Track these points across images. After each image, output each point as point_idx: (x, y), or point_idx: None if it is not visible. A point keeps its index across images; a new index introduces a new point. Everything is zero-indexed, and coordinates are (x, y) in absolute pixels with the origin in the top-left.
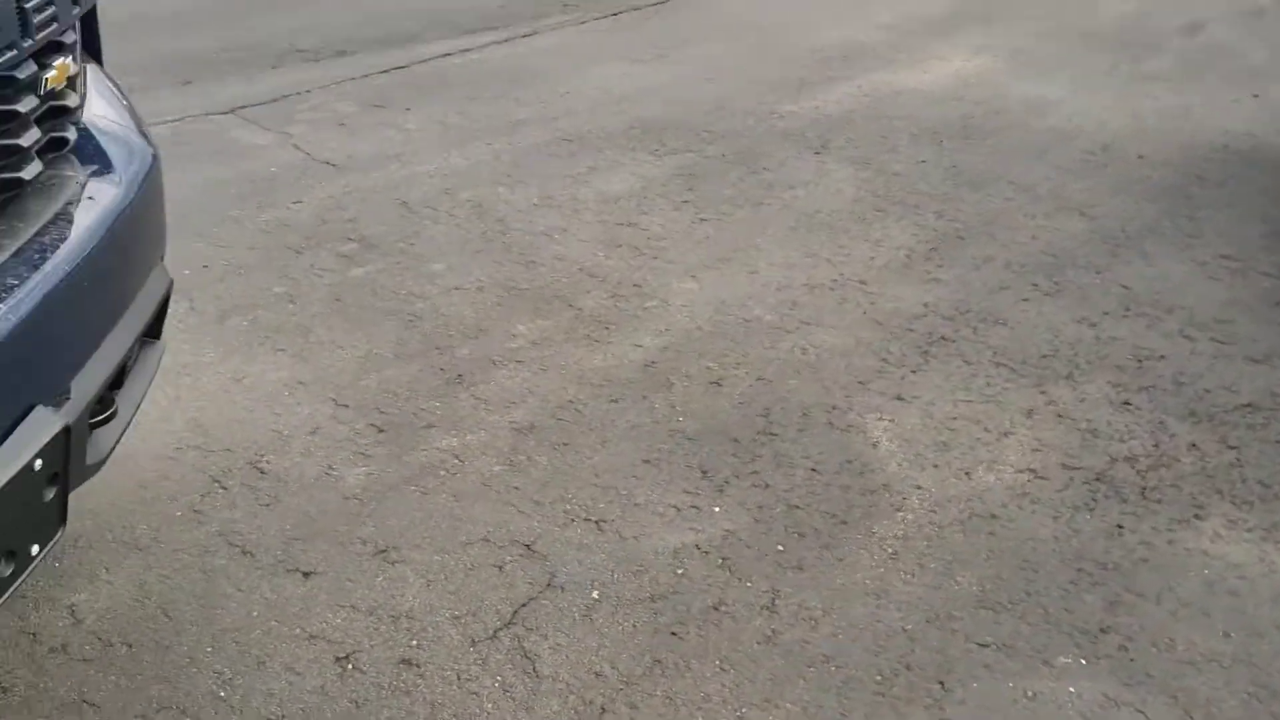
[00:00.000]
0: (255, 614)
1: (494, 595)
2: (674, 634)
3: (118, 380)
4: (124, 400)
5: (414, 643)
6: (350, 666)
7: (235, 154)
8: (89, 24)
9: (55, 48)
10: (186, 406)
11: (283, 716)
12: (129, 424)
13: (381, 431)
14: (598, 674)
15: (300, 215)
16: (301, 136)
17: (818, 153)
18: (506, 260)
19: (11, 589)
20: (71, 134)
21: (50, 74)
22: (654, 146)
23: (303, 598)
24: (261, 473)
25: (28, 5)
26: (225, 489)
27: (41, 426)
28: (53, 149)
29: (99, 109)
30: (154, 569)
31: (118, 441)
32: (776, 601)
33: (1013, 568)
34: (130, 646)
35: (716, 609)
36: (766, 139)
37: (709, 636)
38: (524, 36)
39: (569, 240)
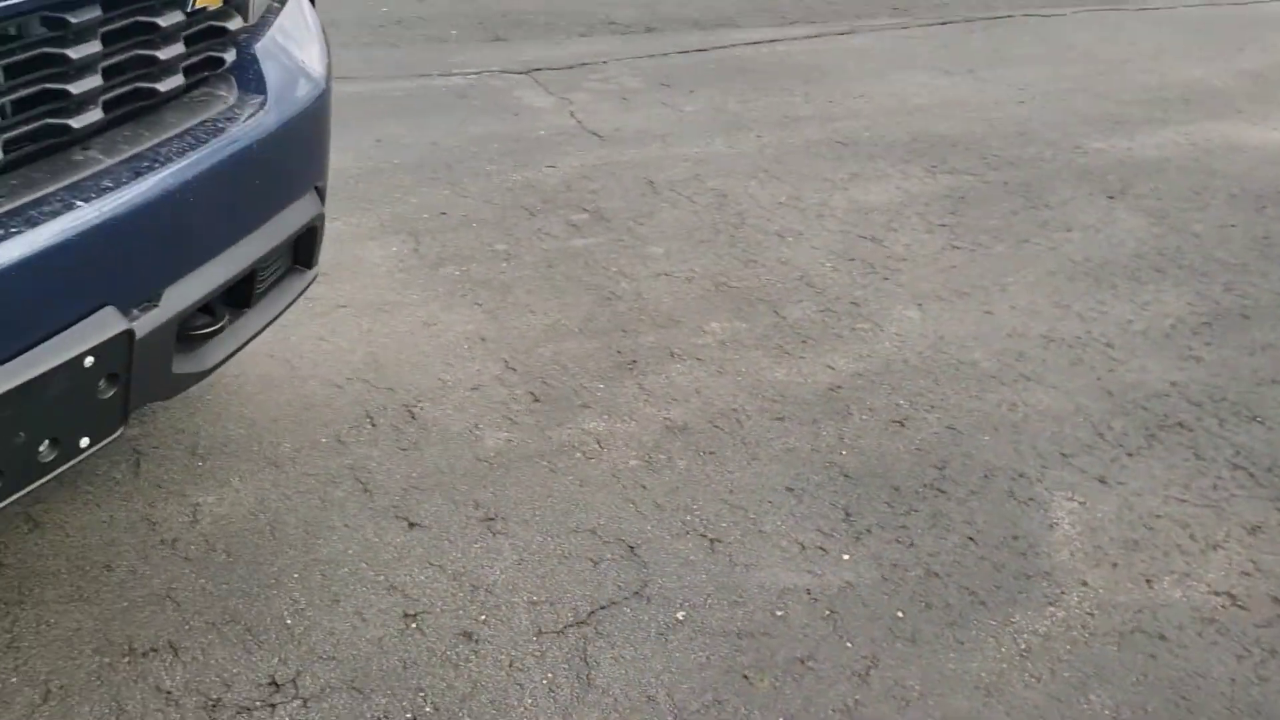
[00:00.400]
0: (350, 552)
1: (578, 590)
2: (746, 677)
3: (244, 299)
4: (250, 318)
5: (482, 617)
6: (414, 626)
7: (514, 113)
8: None
9: None
10: (372, 341)
11: (333, 658)
12: (247, 342)
13: (537, 401)
14: (649, 698)
15: (548, 179)
16: (580, 104)
17: (1111, 197)
18: (728, 255)
19: (52, 474)
20: (229, 55)
21: None
22: (931, 163)
23: (399, 547)
24: (412, 417)
25: None
26: (374, 426)
27: (102, 326)
28: (208, 67)
29: (278, 39)
30: (279, 487)
31: (228, 357)
32: (872, 671)
33: (1164, 701)
34: (229, 555)
35: (803, 662)
36: (1059, 174)
37: (783, 690)
38: (840, 34)
39: (800, 245)
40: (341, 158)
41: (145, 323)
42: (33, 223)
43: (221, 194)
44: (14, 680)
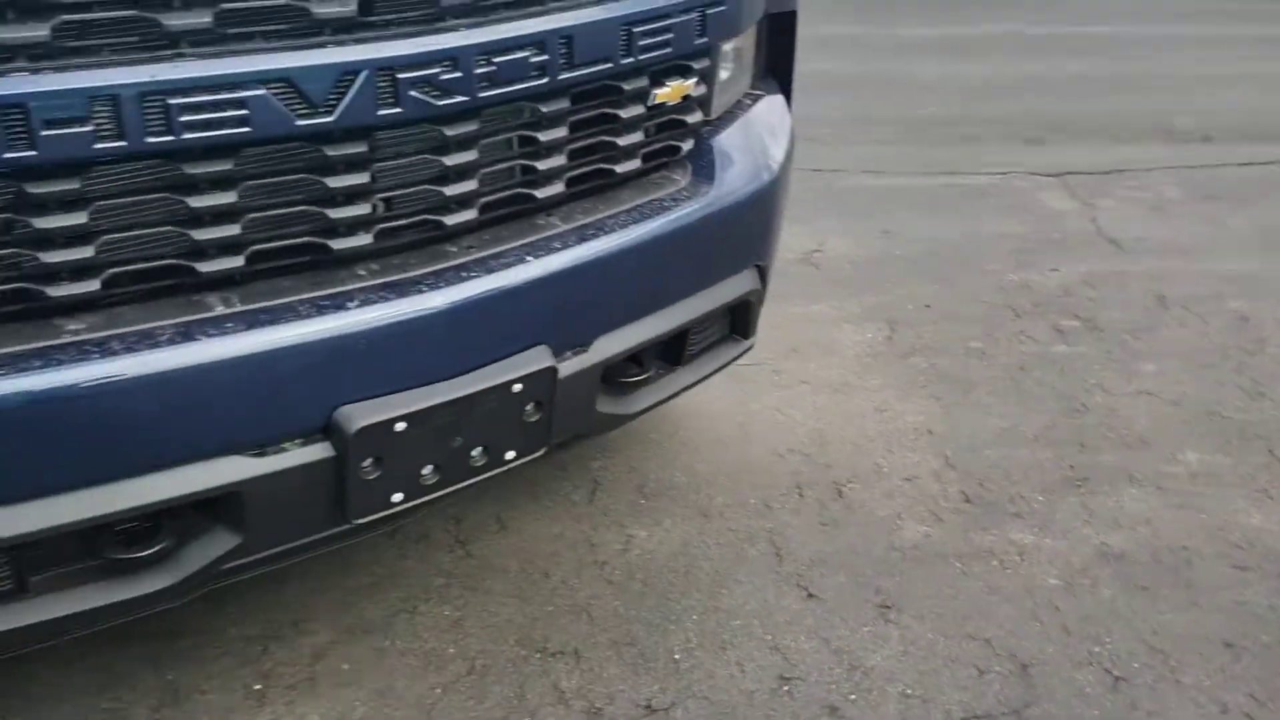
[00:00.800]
0: (748, 607)
1: (955, 694)
2: None
3: (676, 357)
4: (679, 375)
5: (852, 696)
6: (785, 688)
7: (1031, 214)
8: (778, 57)
9: (680, 70)
10: (822, 418)
11: (706, 699)
12: (671, 396)
13: (968, 502)
14: None
15: (1047, 283)
16: (1105, 211)
17: None
18: (1231, 382)
19: (479, 478)
20: (686, 145)
21: (663, 90)
22: None
23: (792, 613)
24: (839, 495)
25: (635, 31)
26: (801, 497)
27: (531, 361)
28: (665, 155)
29: (738, 133)
30: (703, 536)
31: (652, 406)
32: None
33: None
34: (644, 586)
35: None
36: None
37: None
38: None
39: None
40: (843, 243)
41: (571, 364)
42: (489, 270)
43: (657, 263)
44: (450, 651)
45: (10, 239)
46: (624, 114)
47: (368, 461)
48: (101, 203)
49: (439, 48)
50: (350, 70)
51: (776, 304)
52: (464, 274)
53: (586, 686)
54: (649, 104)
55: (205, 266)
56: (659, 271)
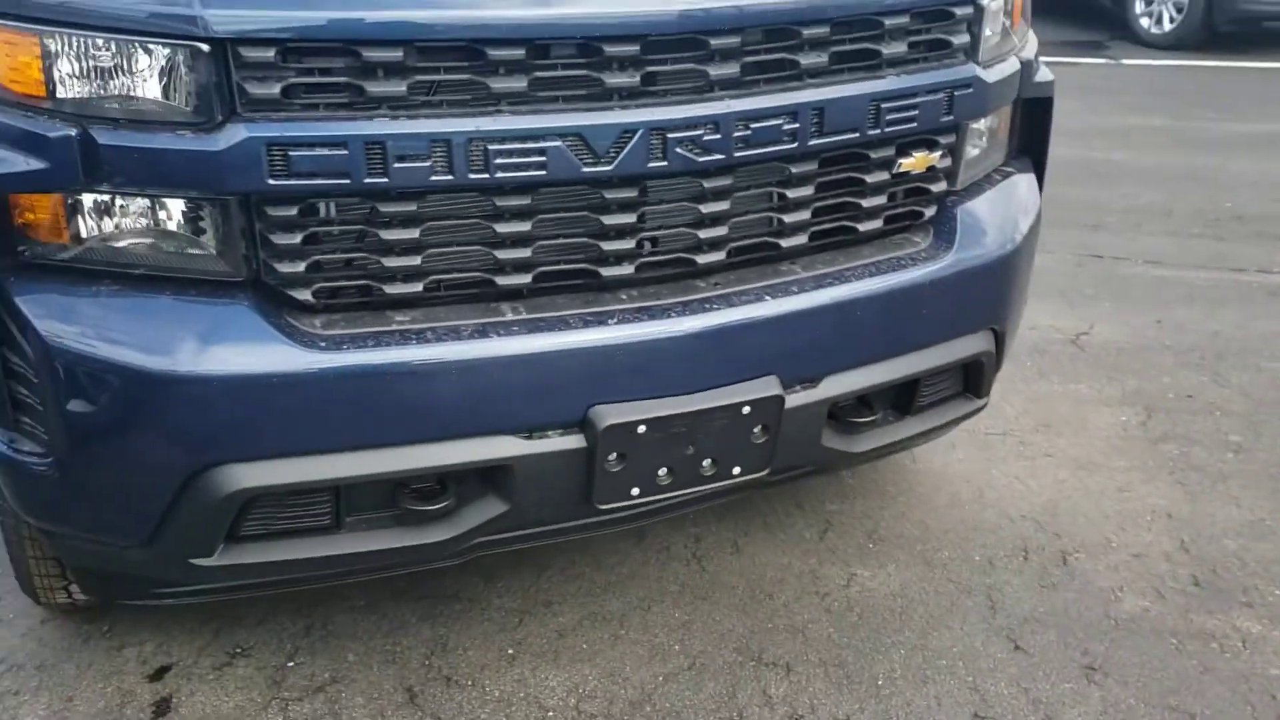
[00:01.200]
0: (955, 650)
1: None
2: None
3: (906, 406)
4: (908, 423)
5: None
6: None
7: None
8: (1032, 138)
9: (926, 143)
10: (1060, 490)
11: None
12: (898, 444)
13: (1196, 585)
14: None
15: None
16: None
17: None
18: None
19: (707, 487)
20: (929, 210)
21: (908, 160)
22: None
23: (997, 660)
24: (1064, 562)
25: (883, 106)
26: (1025, 559)
27: (761, 388)
28: (908, 218)
29: (983, 205)
30: (923, 583)
31: (878, 450)
32: None
33: None
34: (859, 618)
35: None
36: None
37: None
38: None
39: None
40: (1112, 328)
41: (798, 396)
42: (731, 304)
43: (888, 315)
44: (676, 648)
45: (362, 246)
46: (869, 179)
47: (613, 455)
48: (431, 223)
49: (704, 114)
50: (629, 129)
51: (1034, 381)
52: (708, 306)
53: (792, 695)
54: (893, 171)
55: (502, 280)
56: (890, 323)
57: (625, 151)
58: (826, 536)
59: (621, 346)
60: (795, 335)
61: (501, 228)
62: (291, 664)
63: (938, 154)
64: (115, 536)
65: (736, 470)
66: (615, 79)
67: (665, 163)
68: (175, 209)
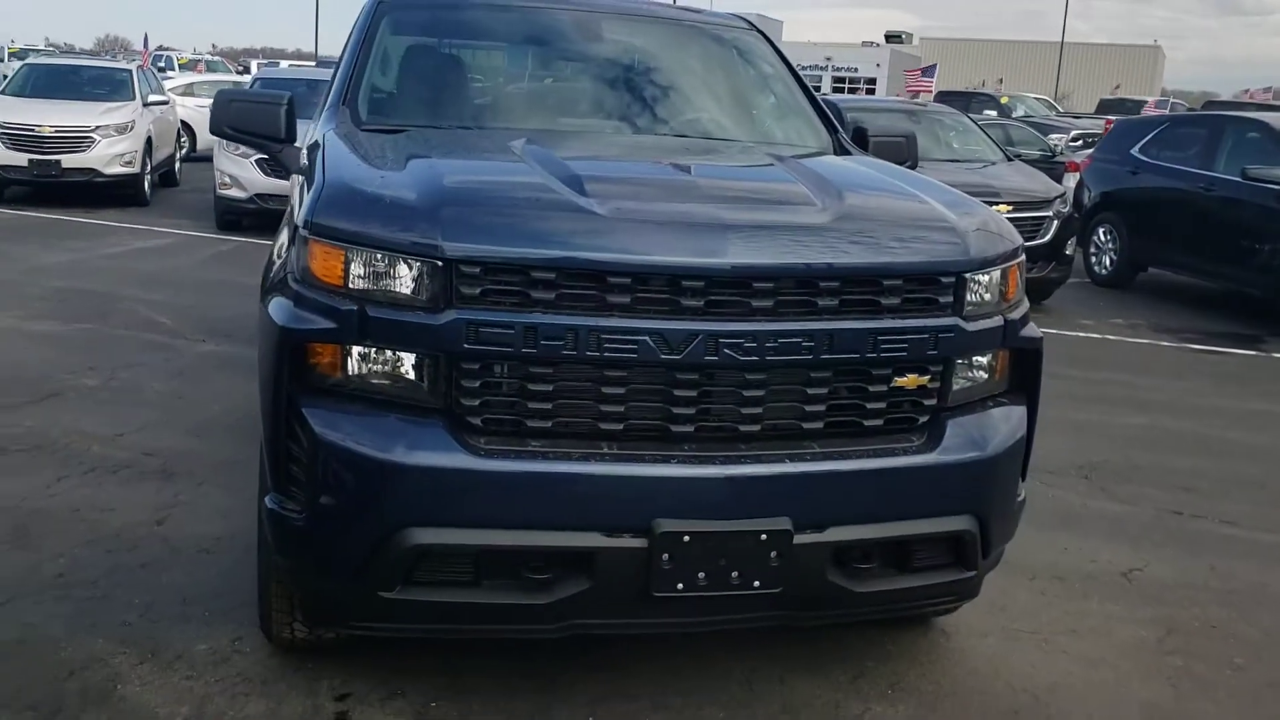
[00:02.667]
0: None
1: None
2: None
3: (903, 564)
4: (905, 578)
5: None
6: None
7: None
8: (1023, 379)
9: (918, 369)
10: (1064, 675)
11: None
12: (896, 594)
13: None
14: None
15: None
16: None
17: None
18: None
19: (733, 592)
20: (922, 418)
21: (902, 379)
22: None
23: None
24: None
25: (880, 340)
26: (1015, 717)
27: (775, 524)
28: (907, 421)
29: (973, 419)
30: (930, 716)
31: (875, 594)
32: None
33: None
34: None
35: None
36: None
37: None
38: None
39: None
40: (1165, 570)
41: (806, 536)
42: (759, 461)
43: (882, 489)
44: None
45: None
46: (870, 388)
47: (665, 556)
48: (561, 383)
49: (744, 328)
50: (694, 334)
51: (1077, 599)
52: (743, 462)
53: None
54: (890, 385)
55: (604, 425)
56: (883, 495)
57: (690, 348)
58: (857, 681)
59: (679, 479)
60: (806, 491)
61: (608, 389)
62: (434, 704)
63: (927, 378)
64: (337, 571)
65: (756, 584)
66: (687, 300)
67: (716, 358)
68: (408, 360)
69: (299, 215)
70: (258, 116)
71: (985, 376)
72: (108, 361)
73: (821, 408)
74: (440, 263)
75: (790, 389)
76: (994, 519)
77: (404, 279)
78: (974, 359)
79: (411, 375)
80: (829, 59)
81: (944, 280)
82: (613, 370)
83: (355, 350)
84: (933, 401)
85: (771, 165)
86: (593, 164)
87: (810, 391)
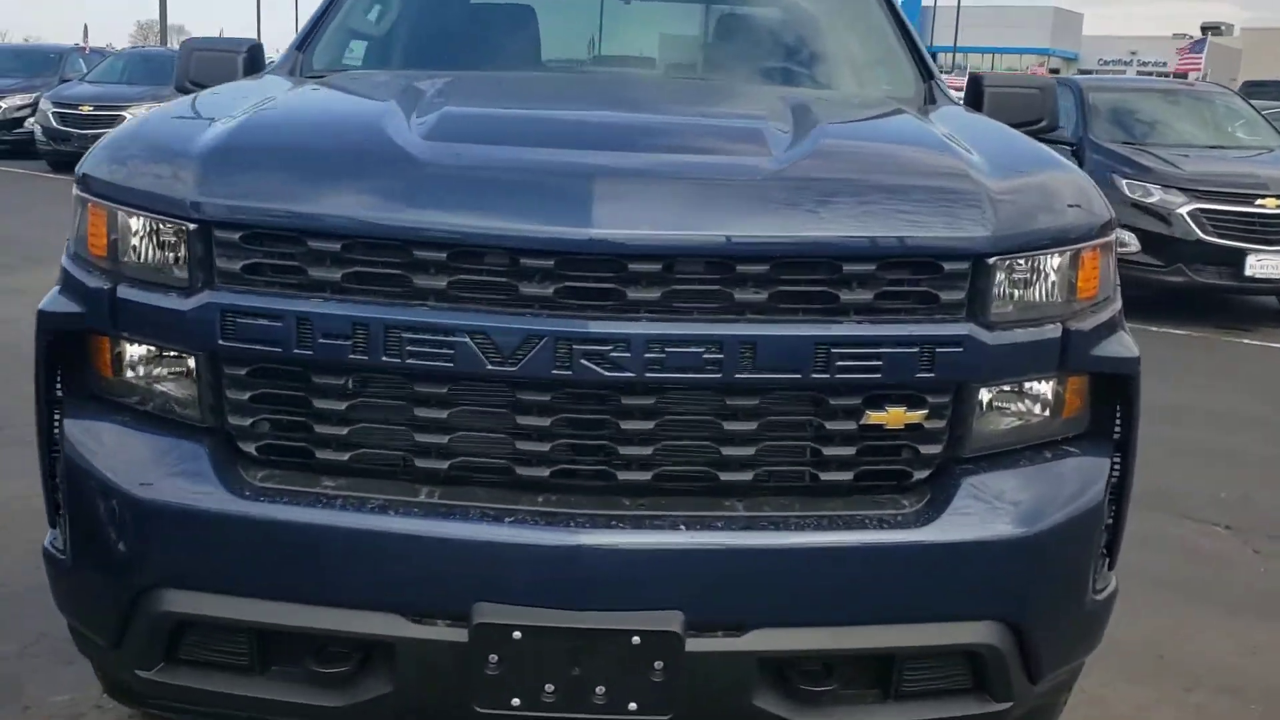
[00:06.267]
0: None
1: None
2: None
3: (884, 687)
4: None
5: None
6: None
7: None
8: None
9: (906, 399)
10: None
11: None
12: None
13: None
14: None
15: None
16: None
17: None
18: None
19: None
20: (919, 473)
21: (877, 414)
22: None
23: None
24: None
25: (836, 353)
26: None
27: (656, 621)
28: (896, 476)
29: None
30: None
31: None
32: None
33: None
34: None
35: None
36: None
37: None
38: None
39: None
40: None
41: (708, 641)
42: (639, 526)
43: (847, 577)
44: None
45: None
46: (828, 425)
47: (492, 657)
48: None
49: (614, 330)
50: (534, 335)
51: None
52: (614, 524)
53: None
54: (860, 422)
55: (421, 463)
56: (848, 585)
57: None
58: None
59: (515, 547)
60: (712, 574)
61: (421, 411)
62: None
63: (922, 412)
64: (101, 634)
65: (632, 706)
66: (530, 289)
67: (569, 371)
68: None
69: None
70: (216, 67)
71: (1036, 412)
72: None
73: (748, 451)
74: (193, 225)
75: (698, 421)
76: (1041, 627)
77: (156, 249)
78: (1012, 386)
79: (170, 381)
80: (1134, 53)
81: (948, 266)
82: (425, 385)
83: (111, 344)
84: (935, 448)
85: (758, 113)
86: (487, 106)
87: (729, 427)
